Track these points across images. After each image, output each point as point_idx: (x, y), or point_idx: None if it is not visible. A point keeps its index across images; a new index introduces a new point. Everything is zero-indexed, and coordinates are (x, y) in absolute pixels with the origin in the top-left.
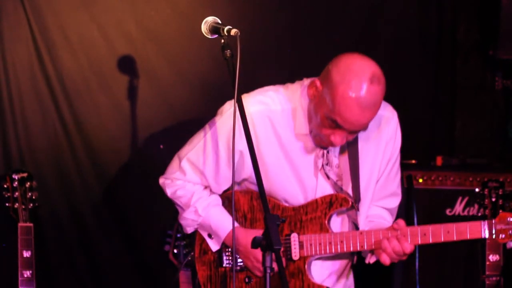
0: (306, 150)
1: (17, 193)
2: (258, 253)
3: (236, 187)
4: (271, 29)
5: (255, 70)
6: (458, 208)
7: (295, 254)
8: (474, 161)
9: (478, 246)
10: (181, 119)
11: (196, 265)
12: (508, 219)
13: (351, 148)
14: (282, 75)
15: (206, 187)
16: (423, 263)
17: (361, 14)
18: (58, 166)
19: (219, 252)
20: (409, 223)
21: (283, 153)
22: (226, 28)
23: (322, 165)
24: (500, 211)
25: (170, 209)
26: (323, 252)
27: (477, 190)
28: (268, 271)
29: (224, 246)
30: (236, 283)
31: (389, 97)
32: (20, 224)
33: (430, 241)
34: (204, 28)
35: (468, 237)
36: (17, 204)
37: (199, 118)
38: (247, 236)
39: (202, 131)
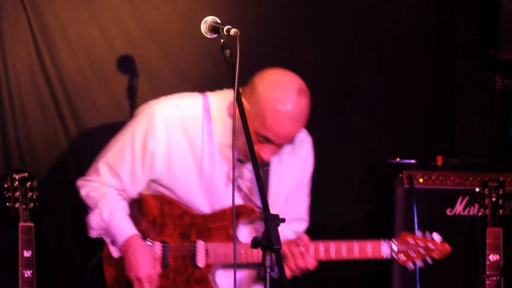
0: (221, 160)
1: (17, 193)
2: (141, 270)
3: (146, 190)
4: (271, 29)
5: (254, 69)
6: (459, 208)
7: (201, 261)
8: (474, 161)
9: (478, 245)
10: None
11: (104, 266)
12: (409, 239)
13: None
14: None
15: (120, 192)
16: None
17: (361, 14)
18: (59, 165)
19: None
20: (409, 223)
21: (194, 161)
22: (225, 28)
23: (235, 177)
24: (402, 232)
25: None
26: (227, 261)
27: (477, 190)
28: (268, 271)
29: None
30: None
31: (389, 97)
32: (21, 223)
33: (333, 258)
34: (203, 27)
35: (371, 256)
36: (17, 203)
37: None
38: (140, 249)
39: (120, 133)
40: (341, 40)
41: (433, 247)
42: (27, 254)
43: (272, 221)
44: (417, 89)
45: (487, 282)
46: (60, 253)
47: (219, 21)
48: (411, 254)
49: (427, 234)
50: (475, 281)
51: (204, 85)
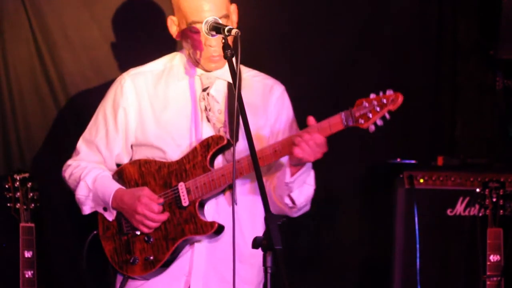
0: (180, 102)
1: (18, 193)
2: (137, 205)
3: (125, 160)
4: (272, 29)
5: (255, 69)
6: (459, 208)
7: (184, 200)
8: (475, 161)
9: (479, 246)
10: None
11: (102, 243)
12: (364, 103)
13: (231, 97)
14: (283, 75)
15: (100, 165)
16: (423, 263)
17: (361, 14)
18: (59, 166)
19: (118, 222)
20: (410, 223)
21: (161, 110)
22: (226, 28)
23: (205, 108)
24: (357, 100)
25: None
26: (208, 190)
27: (478, 190)
28: (269, 271)
29: (121, 215)
30: (137, 245)
31: None
32: (22, 224)
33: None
34: (205, 28)
35: (335, 130)
36: (18, 204)
37: None
38: (129, 193)
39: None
40: (341, 40)
41: (386, 101)
42: (28, 254)
43: (272, 221)
44: (417, 89)
45: (488, 282)
46: (60, 253)
47: (220, 22)
48: (369, 116)
49: (380, 92)
50: (476, 282)
51: None
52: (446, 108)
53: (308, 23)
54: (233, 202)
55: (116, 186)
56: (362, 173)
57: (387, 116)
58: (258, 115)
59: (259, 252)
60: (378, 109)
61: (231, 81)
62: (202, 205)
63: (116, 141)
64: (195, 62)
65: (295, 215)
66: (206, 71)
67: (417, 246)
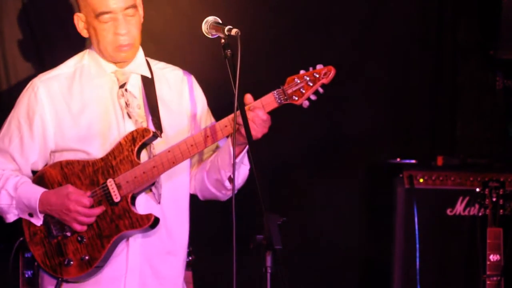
0: (108, 93)
1: None
2: (68, 203)
3: (41, 167)
4: (272, 29)
5: (255, 69)
6: (459, 208)
7: (116, 196)
8: (474, 161)
9: (478, 245)
10: None
11: (30, 249)
12: (296, 80)
13: (148, 90)
14: (283, 75)
15: (17, 173)
16: (423, 263)
17: (362, 14)
18: None
19: (46, 225)
20: (410, 223)
21: (82, 105)
22: (226, 28)
23: (126, 104)
24: (287, 77)
25: None
26: (140, 183)
27: (477, 190)
28: (269, 271)
29: (48, 217)
30: (70, 246)
31: (389, 97)
32: None
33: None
34: (204, 27)
35: (271, 108)
36: None
37: None
38: (55, 194)
39: (7, 118)
40: (341, 41)
41: (319, 75)
42: (27, 254)
43: (272, 221)
44: (417, 89)
45: (488, 282)
46: None
47: (220, 21)
48: (302, 91)
49: (310, 68)
50: (476, 281)
51: (204, 84)
52: (447, 108)
53: (308, 24)
54: (233, 197)
55: (40, 190)
56: (362, 173)
57: (321, 90)
58: (174, 106)
59: (183, 247)
60: (311, 84)
61: (144, 74)
62: (133, 199)
63: (31, 149)
64: (104, 56)
65: (226, 198)
66: (117, 63)
67: (417, 245)
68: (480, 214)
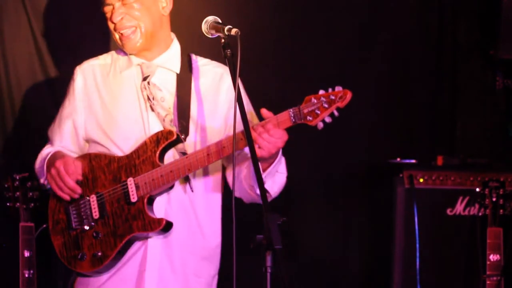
0: (133, 85)
1: (18, 193)
2: (57, 161)
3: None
4: (272, 29)
5: (255, 69)
6: (459, 208)
7: (133, 196)
8: (474, 161)
9: (478, 245)
10: None
11: (51, 237)
12: (313, 100)
13: (180, 87)
14: (283, 75)
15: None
16: (423, 263)
17: (361, 13)
18: None
19: (68, 216)
20: (410, 223)
21: (112, 96)
22: (226, 28)
23: (148, 98)
24: (306, 97)
25: None
26: (157, 186)
27: (477, 190)
28: (269, 270)
29: (70, 208)
30: (86, 241)
31: (389, 97)
32: (21, 223)
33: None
34: (204, 27)
35: (285, 126)
36: (18, 203)
37: None
38: (61, 158)
39: None
40: (341, 41)
41: (335, 97)
42: (27, 254)
43: (272, 221)
44: (417, 89)
45: (488, 282)
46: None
47: (220, 21)
48: (317, 112)
49: (329, 89)
50: (476, 281)
51: None
52: (447, 108)
53: (308, 24)
54: (233, 199)
55: (55, 149)
56: (362, 173)
57: (336, 113)
58: (209, 105)
59: (216, 248)
60: (326, 105)
61: (173, 69)
62: (151, 201)
63: (66, 136)
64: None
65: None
66: (139, 55)
67: (417, 245)
68: (480, 214)
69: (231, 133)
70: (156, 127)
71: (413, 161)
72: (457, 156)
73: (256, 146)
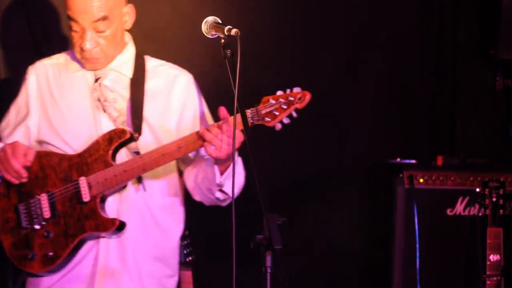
0: (85, 86)
1: None
2: (7, 146)
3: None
4: (272, 29)
5: (255, 69)
6: (459, 208)
7: (85, 195)
8: (475, 161)
9: (478, 245)
10: None
11: (1, 236)
12: (271, 101)
13: (134, 89)
14: (283, 75)
15: None
16: (423, 263)
17: (361, 13)
18: None
19: (18, 214)
20: (410, 222)
21: (61, 97)
22: (226, 28)
23: (99, 99)
24: (263, 97)
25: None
26: (110, 185)
27: (477, 190)
28: (269, 271)
29: (20, 207)
30: (37, 240)
31: (389, 97)
32: None
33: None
34: (204, 27)
35: (236, 129)
36: None
37: None
38: (11, 144)
39: None
40: (341, 41)
41: (293, 99)
42: None
43: (272, 221)
44: (417, 89)
45: (488, 282)
46: None
47: (220, 21)
48: (275, 114)
49: (288, 90)
50: (476, 281)
51: (204, 84)
52: (446, 108)
53: (308, 24)
54: (233, 198)
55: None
56: (362, 173)
57: (294, 114)
58: (162, 106)
59: (175, 249)
60: (285, 107)
61: (126, 74)
62: (103, 200)
63: (17, 137)
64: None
65: (225, 204)
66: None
67: (417, 245)
68: (480, 214)
69: (184, 134)
70: (107, 127)
71: (413, 161)
72: (457, 156)
73: (211, 148)
